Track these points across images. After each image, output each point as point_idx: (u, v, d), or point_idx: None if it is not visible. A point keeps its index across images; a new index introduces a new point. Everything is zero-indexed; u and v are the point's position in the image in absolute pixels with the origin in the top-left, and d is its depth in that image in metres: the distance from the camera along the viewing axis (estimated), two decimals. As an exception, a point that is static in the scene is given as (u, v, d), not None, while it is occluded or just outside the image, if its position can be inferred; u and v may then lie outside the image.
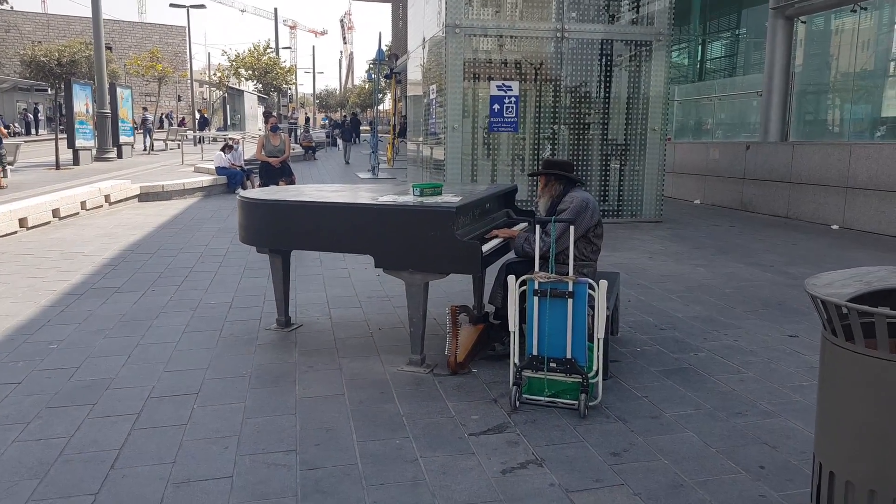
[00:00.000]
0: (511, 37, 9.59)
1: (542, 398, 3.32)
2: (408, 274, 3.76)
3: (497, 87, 9.53)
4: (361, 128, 36.40)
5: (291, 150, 10.94)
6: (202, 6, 31.67)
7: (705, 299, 5.50)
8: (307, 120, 41.82)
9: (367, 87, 60.20)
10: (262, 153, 9.45)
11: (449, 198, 4.02)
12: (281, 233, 4.13)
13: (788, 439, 3.07)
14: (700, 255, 7.41)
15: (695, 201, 12.65)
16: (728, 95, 13.56)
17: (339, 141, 29.42)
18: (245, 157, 15.87)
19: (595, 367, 3.29)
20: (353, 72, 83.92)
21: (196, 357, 4.11)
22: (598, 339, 3.24)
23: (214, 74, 35.18)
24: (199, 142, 24.51)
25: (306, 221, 4.00)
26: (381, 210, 3.78)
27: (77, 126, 16.92)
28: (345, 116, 35.08)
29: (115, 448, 2.99)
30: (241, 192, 4.56)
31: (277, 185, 8.84)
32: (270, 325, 4.71)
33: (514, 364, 3.35)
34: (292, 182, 9.24)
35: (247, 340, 4.42)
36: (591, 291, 3.24)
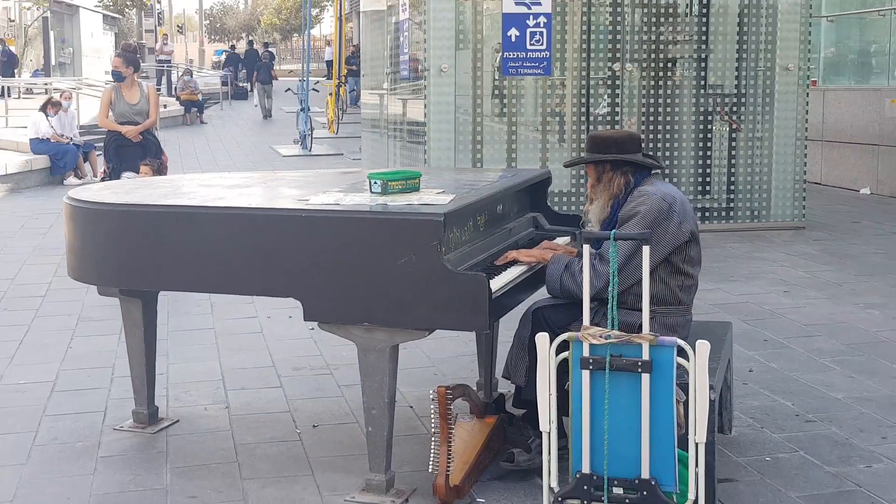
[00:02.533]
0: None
1: (599, 549, 3.29)
2: (362, 331, 3.76)
3: (515, -2, 9.58)
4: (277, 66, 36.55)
5: (161, 111, 10.86)
6: None
7: (883, 367, 5.49)
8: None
9: (292, -3, 60.58)
10: (111, 117, 9.43)
11: (433, 196, 4.03)
12: (140, 262, 4.13)
13: None
14: (873, 288, 7.42)
15: (861, 190, 12.72)
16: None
17: (254, 85, 29.65)
18: (83, 123, 15.93)
19: (692, 495, 3.26)
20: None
21: (-10, 482, 4.06)
22: (697, 445, 3.23)
23: (29, -21, 35.44)
24: (3, 95, 24.56)
25: (183, 242, 4.01)
26: (313, 221, 3.79)
27: None
28: (258, 45, 35.42)
29: None
30: (72, 192, 4.55)
31: (136, 172, 8.80)
32: (123, 421, 4.70)
33: (551, 489, 3.33)
34: (162, 168, 9.20)
35: (81, 451, 4.39)
36: (681, 360, 3.22)
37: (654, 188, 3.88)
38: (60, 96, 15.14)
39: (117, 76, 9.32)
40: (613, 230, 3.58)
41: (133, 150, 9.24)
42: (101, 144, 10.57)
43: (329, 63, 33.43)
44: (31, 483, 4.04)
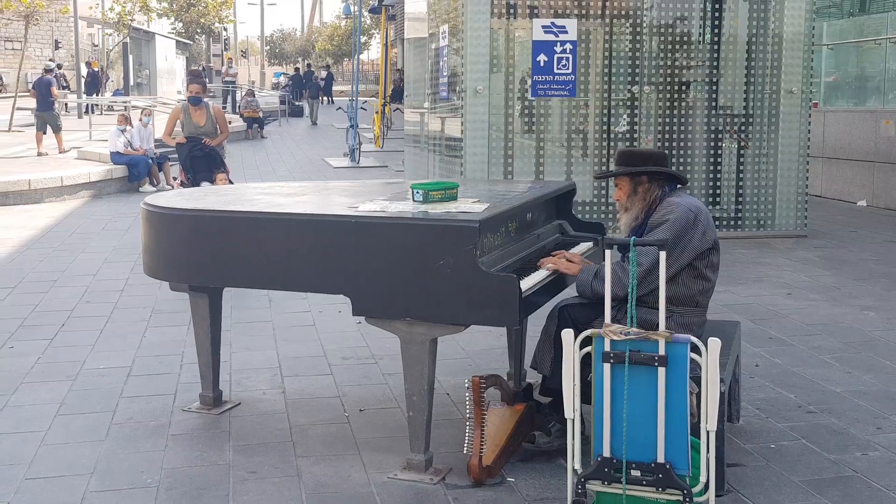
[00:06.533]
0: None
1: (618, 526, 3.27)
2: (404, 325, 3.76)
3: (544, 27, 9.57)
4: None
5: (229, 128, 10.83)
6: None
7: (878, 363, 5.44)
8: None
9: (343, 25, 60.94)
10: (179, 132, 9.42)
11: (469, 204, 4.02)
12: (207, 261, 4.17)
13: None
14: (868, 292, 7.34)
15: (858, 203, 12.58)
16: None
17: (306, 101, 30.92)
18: (157, 136, 16.03)
19: (703, 478, 3.24)
20: (321, 3, 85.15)
21: (74, 455, 4.11)
22: (708, 433, 3.20)
23: (111, 9, 35.72)
24: (87, 112, 24.84)
25: (246, 243, 4.04)
26: (361, 226, 3.80)
27: None
28: (311, 68, 35.97)
29: None
30: (149, 198, 4.58)
31: (212, 182, 8.82)
32: (191, 403, 4.73)
33: (574, 471, 3.31)
34: (224, 177, 9.24)
35: (154, 429, 4.42)
36: (694, 355, 3.20)
37: (682, 199, 3.87)
38: (141, 113, 15.30)
39: (196, 101, 9.29)
40: (633, 237, 3.56)
41: (201, 162, 9.29)
42: (174, 156, 10.62)
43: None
44: (109, 457, 4.08)
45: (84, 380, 5.15)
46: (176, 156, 10.40)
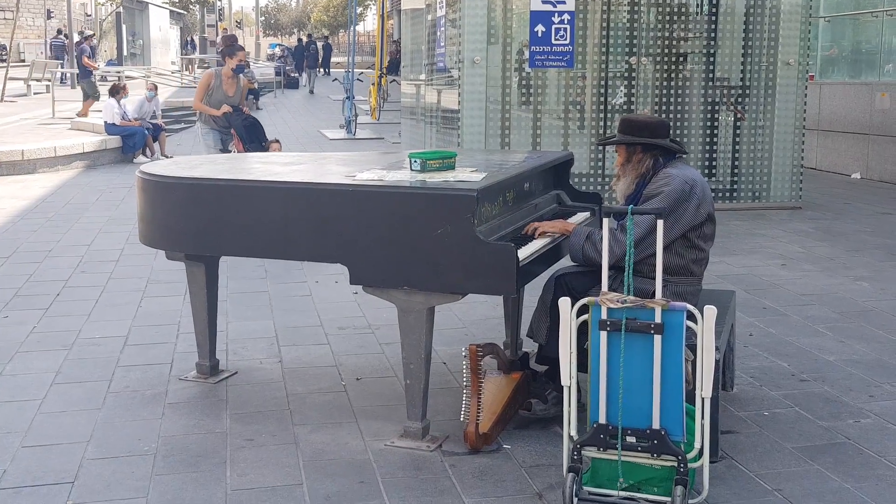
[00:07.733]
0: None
1: (614, 492, 3.29)
2: (402, 294, 3.77)
3: (542, -3, 9.51)
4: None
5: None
6: None
7: (871, 333, 5.46)
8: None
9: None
10: (205, 101, 9.27)
11: (467, 174, 4.01)
12: (203, 230, 4.16)
13: None
14: (862, 262, 7.36)
15: (852, 175, 12.60)
16: (905, 9, 13.47)
17: (304, 70, 31.40)
18: (161, 108, 15.96)
19: (698, 444, 3.26)
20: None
21: (71, 423, 4.12)
22: (703, 400, 3.22)
23: (104, -22, 35.56)
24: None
25: (242, 212, 4.03)
26: (359, 194, 3.79)
27: None
28: (312, 38, 35.88)
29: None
30: (144, 166, 4.57)
31: (265, 150, 8.76)
32: (188, 372, 4.74)
33: (570, 437, 3.33)
34: (278, 146, 9.18)
35: (150, 397, 4.44)
36: (690, 323, 3.21)
37: (679, 171, 3.85)
38: (147, 87, 15.29)
39: (241, 69, 9.13)
40: (631, 205, 3.56)
41: (257, 129, 9.17)
42: (175, 126, 10.44)
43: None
44: (106, 425, 4.10)
45: (80, 349, 5.16)
46: (178, 127, 10.26)
